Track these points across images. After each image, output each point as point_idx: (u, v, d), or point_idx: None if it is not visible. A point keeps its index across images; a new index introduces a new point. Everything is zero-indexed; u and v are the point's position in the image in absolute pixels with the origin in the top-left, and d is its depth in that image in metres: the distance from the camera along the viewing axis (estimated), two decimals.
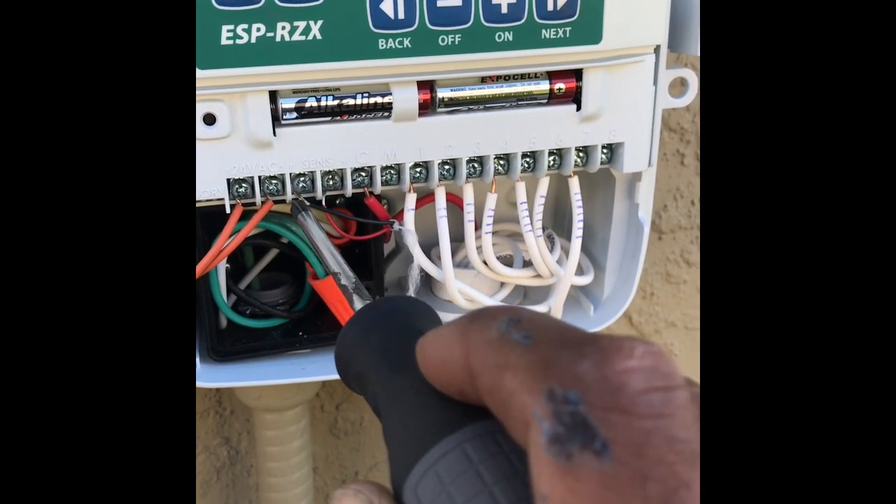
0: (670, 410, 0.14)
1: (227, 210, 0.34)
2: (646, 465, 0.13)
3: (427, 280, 0.43)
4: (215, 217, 0.35)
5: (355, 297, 0.29)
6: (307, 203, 0.34)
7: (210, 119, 0.32)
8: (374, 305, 0.23)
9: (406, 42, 0.31)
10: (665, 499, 0.13)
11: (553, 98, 0.35)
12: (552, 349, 0.15)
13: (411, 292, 0.38)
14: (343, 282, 0.30)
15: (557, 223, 0.46)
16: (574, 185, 0.38)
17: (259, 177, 0.33)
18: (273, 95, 0.32)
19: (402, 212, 0.37)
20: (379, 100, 0.33)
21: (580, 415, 0.14)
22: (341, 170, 0.34)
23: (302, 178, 0.34)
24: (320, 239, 0.32)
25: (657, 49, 0.36)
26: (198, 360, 0.39)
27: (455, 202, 0.39)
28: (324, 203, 0.35)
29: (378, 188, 0.35)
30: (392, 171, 0.35)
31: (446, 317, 0.42)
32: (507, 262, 0.41)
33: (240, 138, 0.32)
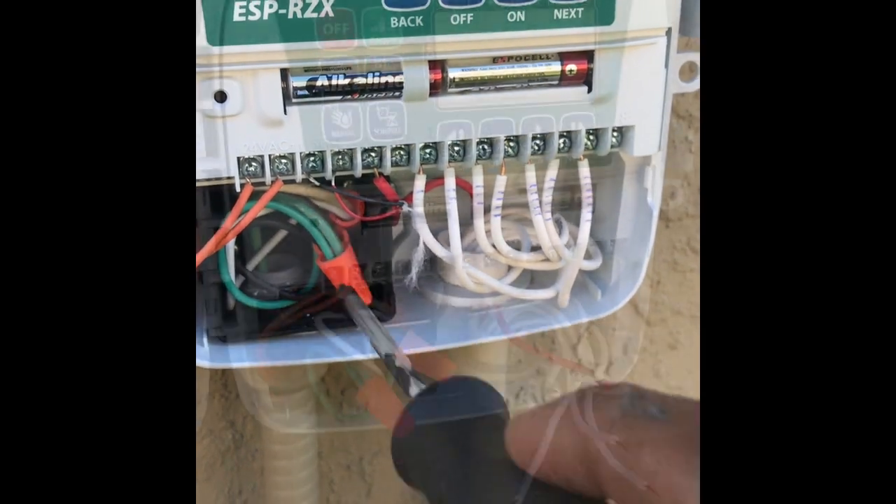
0: None
1: (237, 189, 0.34)
2: None
3: (435, 265, 0.43)
4: (222, 196, 0.35)
5: (412, 381, 0.28)
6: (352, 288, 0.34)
7: (221, 97, 0.32)
8: (436, 401, 0.23)
9: (418, 20, 0.31)
10: None
11: (564, 79, 0.35)
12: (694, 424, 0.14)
13: (414, 274, 0.38)
14: (399, 363, 0.28)
15: (565, 208, 0.45)
16: (584, 168, 0.38)
17: (269, 155, 0.33)
18: (284, 73, 0.32)
19: (411, 193, 0.37)
20: (390, 79, 0.33)
21: None
22: (351, 150, 0.34)
23: (312, 158, 0.34)
24: (372, 320, 0.32)
25: (668, 31, 0.36)
26: (204, 340, 0.39)
27: (463, 187, 0.39)
28: (333, 183, 0.35)
29: (388, 169, 0.35)
30: (402, 152, 0.35)
31: (455, 301, 0.42)
32: (515, 246, 0.41)
33: (251, 116, 0.32)
